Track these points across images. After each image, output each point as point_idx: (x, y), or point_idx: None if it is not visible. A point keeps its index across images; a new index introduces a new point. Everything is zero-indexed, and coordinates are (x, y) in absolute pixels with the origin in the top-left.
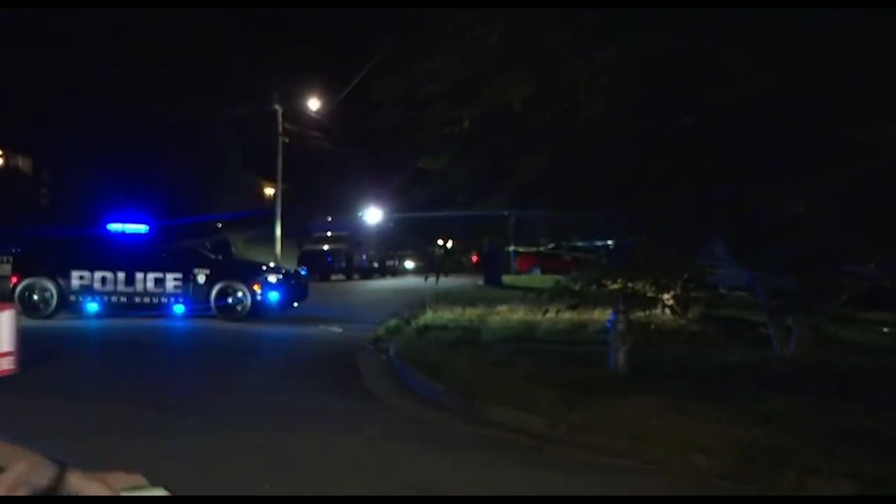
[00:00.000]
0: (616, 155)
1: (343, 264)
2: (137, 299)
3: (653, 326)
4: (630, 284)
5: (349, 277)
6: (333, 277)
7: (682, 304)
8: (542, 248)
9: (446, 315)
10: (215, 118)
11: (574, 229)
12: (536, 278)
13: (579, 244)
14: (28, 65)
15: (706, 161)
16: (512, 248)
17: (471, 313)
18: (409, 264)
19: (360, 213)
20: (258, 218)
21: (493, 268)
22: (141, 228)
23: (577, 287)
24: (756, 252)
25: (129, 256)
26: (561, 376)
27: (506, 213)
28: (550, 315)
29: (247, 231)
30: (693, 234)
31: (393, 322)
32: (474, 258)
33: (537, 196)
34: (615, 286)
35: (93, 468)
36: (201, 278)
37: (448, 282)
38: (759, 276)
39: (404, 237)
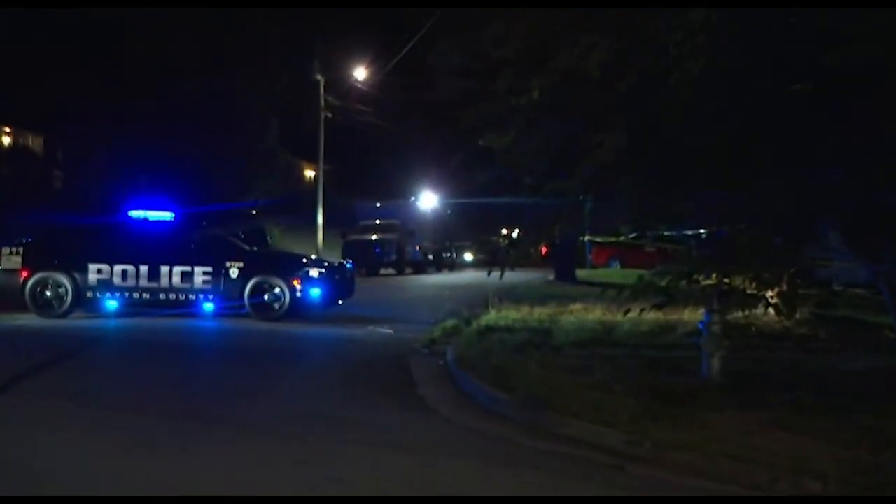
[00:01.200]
0: (712, 127)
1: (393, 256)
2: (162, 296)
3: (753, 328)
4: (726, 280)
5: (400, 271)
6: (382, 271)
7: (788, 302)
8: (622, 238)
9: (512, 315)
10: (250, 91)
11: (660, 215)
12: (615, 273)
13: (666, 233)
14: (39, 32)
15: (821, 134)
16: (587, 238)
17: (540, 313)
18: (469, 257)
19: (412, 199)
20: (297, 204)
21: (565, 261)
22: (166, 216)
23: (663, 283)
24: (878, 241)
25: (153, 248)
26: (645, 385)
27: (580, 198)
28: (632, 315)
29: (284, 219)
30: (802, 220)
31: (450, 322)
32: (543, 250)
33: (617, 176)
34: (709, 282)
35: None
36: (234, 272)
37: (513, 277)
38: (882, 270)
39: (463, 226)
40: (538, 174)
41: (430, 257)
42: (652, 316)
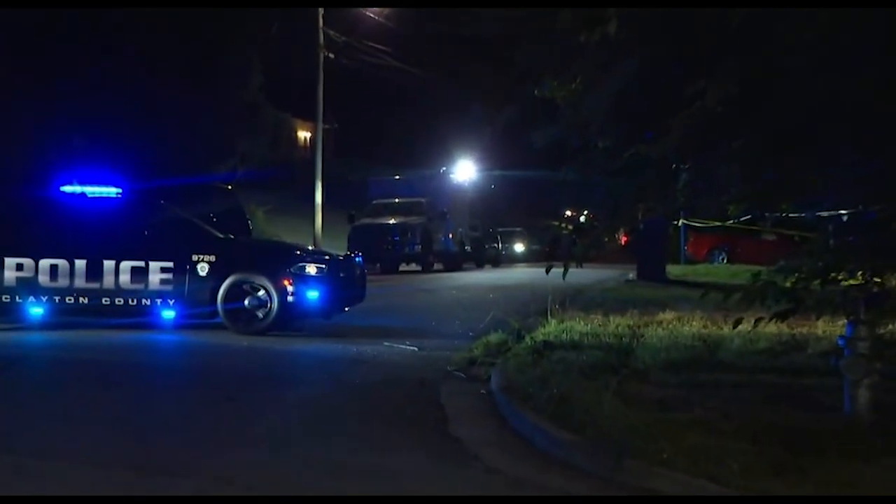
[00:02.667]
0: (856, 66)
1: (417, 247)
2: (105, 300)
3: None
4: (877, 279)
5: (427, 267)
6: (403, 267)
7: None
8: (730, 223)
9: (579, 326)
10: (222, 24)
11: (784, 190)
12: (721, 269)
13: (792, 215)
14: None
15: None
16: (682, 222)
17: (617, 323)
18: (519, 247)
19: (443, 170)
20: (288, 176)
21: (651, 253)
22: (111, 192)
23: (788, 283)
24: None
25: (93, 236)
26: (764, 424)
27: (673, 167)
28: (745, 327)
29: (271, 196)
30: None
31: (495, 337)
32: (624, 239)
33: (724, 137)
34: (852, 282)
35: None
36: (203, 269)
37: (581, 274)
38: None
39: (512, 206)
40: (615, 135)
41: (468, 248)
42: (772, 328)
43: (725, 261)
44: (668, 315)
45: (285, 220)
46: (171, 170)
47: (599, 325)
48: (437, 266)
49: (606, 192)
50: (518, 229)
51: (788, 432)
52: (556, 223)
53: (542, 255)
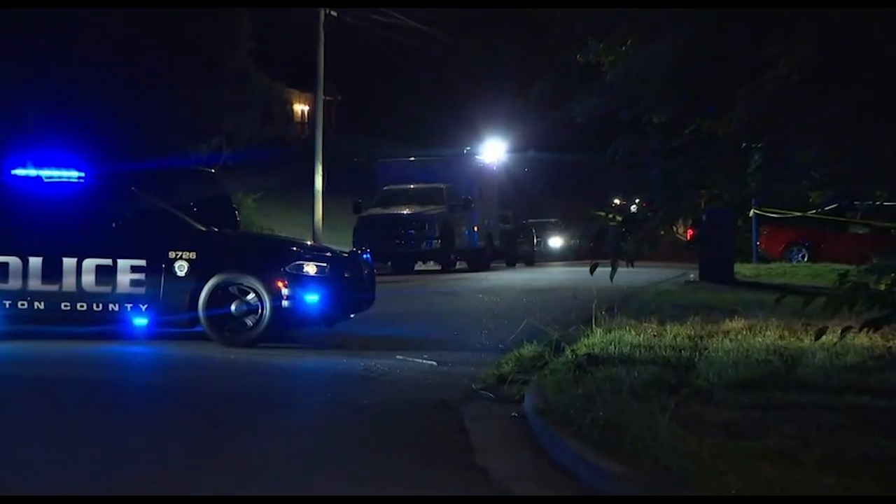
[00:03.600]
0: None
1: (436, 242)
2: (65, 305)
3: None
4: None
5: (448, 266)
6: (420, 266)
7: None
8: (812, 213)
9: (629, 336)
10: None
11: (876, 174)
12: (800, 269)
13: (887, 203)
14: None
15: None
16: (753, 212)
17: (676, 333)
18: (556, 243)
19: (466, 150)
20: (283, 158)
21: (716, 249)
22: (72, 176)
23: (882, 286)
24: None
25: (51, 229)
26: (854, 454)
27: (742, 146)
28: (829, 339)
29: (262, 181)
30: None
31: (529, 349)
32: (689, 233)
33: (803, 110)
34: None
35: None
36: (182, 268)
37: (632, 275)
38: None
39: (550, 194)
40: (672, 109)
41: (497, 243)
42: (863, 340)
43: (806, 258)
44: (736, 323)
45: (279, 209)
46: (144, 150)
47: (654, 336)
48: (459, 265)
49: (662, 177)
50: (552, 220)
51: (882, 464)
52: (603, 213)
53: (583, 252)
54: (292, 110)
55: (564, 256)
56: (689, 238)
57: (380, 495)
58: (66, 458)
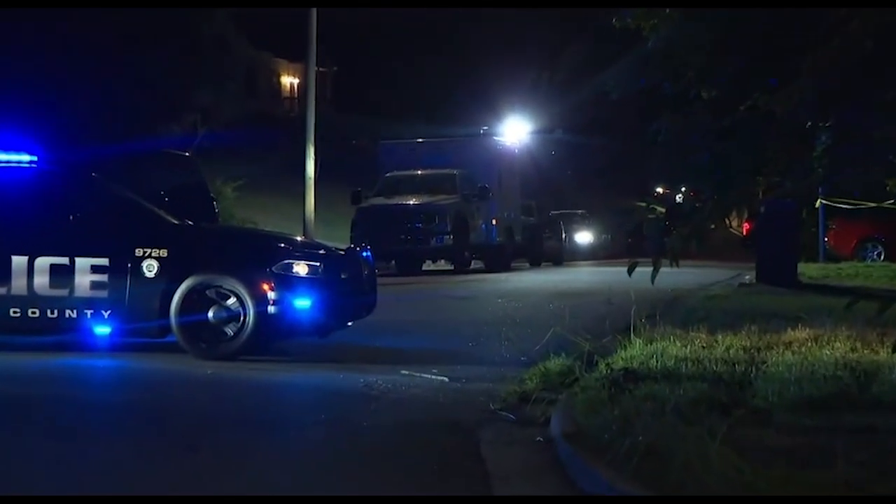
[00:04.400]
0: None
1: (448, 238)
2: (14, 312)
3: None
4: None
5: (462, 265)
6: (428, 266)
7: None
8: (887, 204)
9: (674, 348)
10: None
11: None
12: (875, 269)
13: None
14: None
15: None
16: (820, 202)
17: (729, 344)
18: (584, 238)
19: (483, 130)
20: (268, 140)
21: (776, 246)
22: (22, 160)
23: None
24: None
25: None
26: None
27: (807, 125)
28: None
29: (245, 166)
30: None
31: (557, 363)
32: (745, 227)
33: (880, 82)
34: None
35: None
36: (151, 268)
37: (678, 276)
38: None
39: (580, 181)
40: (723, 81)
41: (518, 239)
42: None
43: (882, 257)
44: (800, 333)
45: (264, 199)
46: (106, 131)
47: (703, 348)
48: (475, 264)
49: (712, 161)
50: (579, 212)
51: None
52: (643, 204)
53: (617, 249)
54: (280, 84)
55: (594, 254)
56: (744, 233)
57: (379, 495)
58: (11, 490)
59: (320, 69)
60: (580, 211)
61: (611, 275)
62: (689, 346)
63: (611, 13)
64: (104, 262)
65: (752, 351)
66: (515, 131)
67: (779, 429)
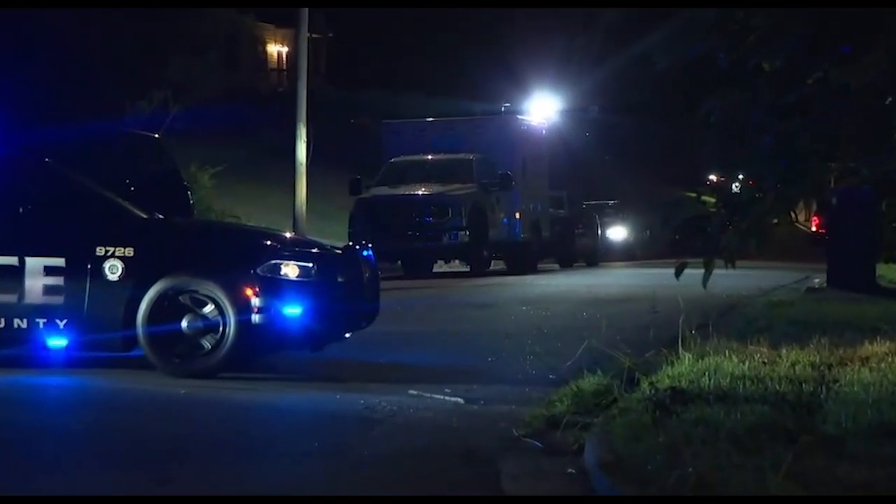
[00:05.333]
0: None
1: (463, 234)
2: None
3: None
4: None
5: (479, 266)
6: (441, 267)
7: None
8: None
9: (730, 364)
10: None
11: None
12: None
13: None
14: None
15: None
16: None
17: (795, 360)
18: (617, 234)
19: (505, 107)
20: (252, 120)
21: (850, 244)
22: None
23: None
24: None
25: None
26: None
27: (887, 101)
28: None
29: (224, 150)
30: None
31: (592, 381)
32: (815, 221)
33: None
34: None
35: None
36: (114, 269)
37: (734, 279)
38: None
39: (617, 168)
40: (789, 50)
41: (546, 236)
42: None
43: None
44: (878, 347)
45: (247, 189)
46: (63, 109)
47: (764, 364)
48: (495, 265)
49: (776, 144)
50: (609, 204)
51: None
52: (693, 194)
53: (660, 247)
54: (265, 53)
55: (630, 253)
56: (813, 229)
57: (380, 495)
58: None
59: (313, 36)
60: (611, 202)
61: (654, 277)
62: (747, 362)
63: None
64: (59, 262)
65: (821, 368)
66: (543, 109)
67: (853, 459)
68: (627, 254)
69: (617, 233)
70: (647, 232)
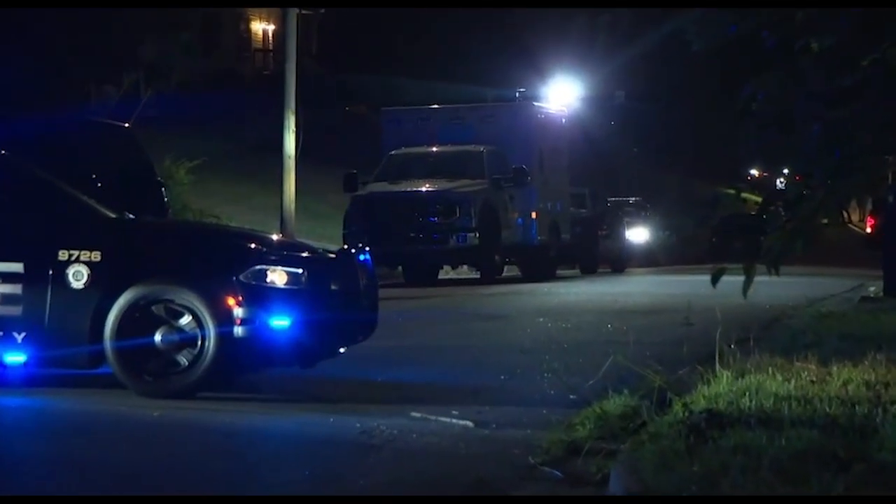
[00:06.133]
0: None
1: (472, 236)
2: None
3: None
4: None
5: (490, 273)
6: (447, 274)
7: None
8: None
9: (773, 383)
10: None
11: None
12: None
13: None
14: None
15: None
16: None
17: (847, 378)
18: (639, 236)
19: (519, 93)
20: (234, 106)
21: None
22: None
23: None
24: None
25: None
26: None
27: None
28: None
29: (202, 141)
30: None
31: (617, 402)
32: (868, 222)
33: None
34: None
35: None
36: (79, 276)
37: (778, 287)
38: None
39: (644, 162)
40: (842, 27)
41: (566, 238)
42: None
43: None
44: None
45: (229, 185)
46: (23, 95)
47: (812, 383)
48: (508, 271)
49: (826, 135)
50: (631, 201)
51: None
52: (732, 191)
53: (690, 251)
54: (249, 32)
55: (654, 259)
56: (868, 230)
57: (380, 495)
58: None
59: (303, 12)
60: (632, 199)
61: (688, 285)
62: (793, 381)
63: None
64: (16, 268)
65: (877, 387)
66: (562, 95)
67: None
68: (649, 258)
69: (636, 234)
70: (668, 233)
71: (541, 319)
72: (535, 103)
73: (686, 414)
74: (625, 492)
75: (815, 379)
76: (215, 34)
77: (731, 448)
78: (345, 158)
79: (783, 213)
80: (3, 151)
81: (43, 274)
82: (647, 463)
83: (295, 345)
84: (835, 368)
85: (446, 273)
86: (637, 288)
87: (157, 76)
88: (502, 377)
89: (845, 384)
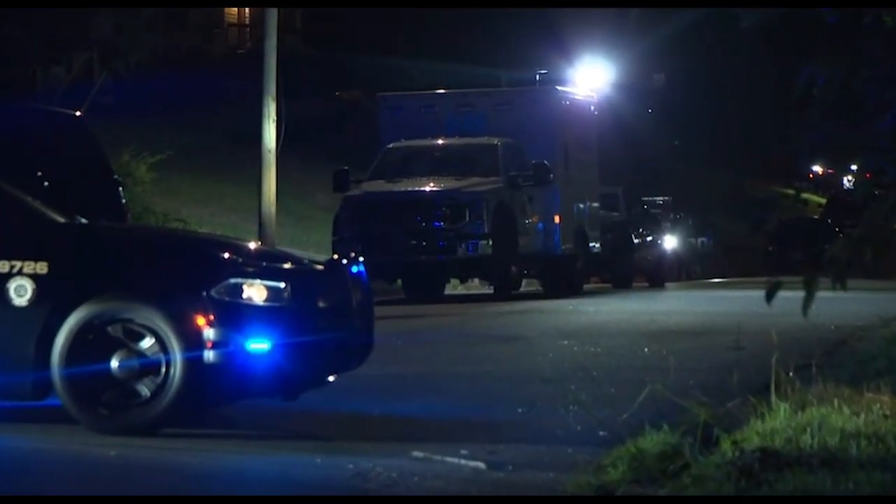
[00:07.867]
0: None
1: (484, 244)
2: None
3: None
4: None
5: (505, 287)
6: (455, 289)
7: None
8: None
9: (839, 418)
10: None
11: None
12: None
13: None
14: None
15: None
16: None
17: None
18: (670, 241)
19: (540, 75)
20: (204, 92)
21: None
22: None
23: None
24: None
25: None
26: None
27: None
28: None
29: (167, 132)
30: None
31: (655, 439)
32: None
33: None
34: None
35: None
36: (21, 291)
37: (845, 304)
38: None
39: (687, 155)
40: None
41: (596, 246)
42: None
43: None
44: None
45: (198, 184)
46: None
47: (885, 417)
48: (527, 285)
49: None
50: (660, 201)
51: None
52: (792, 191)
53: (742, 261)
54: (222, 15)
55: (686, 271)
56: None
57: (381, 496)
58: None
59: None
60: (661, 199)
61: (738, 302)
62: (862, 415)
63: None
64: None
65: None
66: (591, 78)
67: None
68: (679, 270)
69: (670, 239)
70: (702, 241)
71: (565, 342)
72: (559, 88)
73: (736, 453)
74: None
75: (888, 413)
76: (180, 7)
77: (790, 493)
78: (335, 153)
79: (846, 218)
80: None
81: None
82: None
83: (276, 372)
84: None
85: (454, 288)
86: (678, 305)
87: (113, 56)
88: (520, 410)
89: None
